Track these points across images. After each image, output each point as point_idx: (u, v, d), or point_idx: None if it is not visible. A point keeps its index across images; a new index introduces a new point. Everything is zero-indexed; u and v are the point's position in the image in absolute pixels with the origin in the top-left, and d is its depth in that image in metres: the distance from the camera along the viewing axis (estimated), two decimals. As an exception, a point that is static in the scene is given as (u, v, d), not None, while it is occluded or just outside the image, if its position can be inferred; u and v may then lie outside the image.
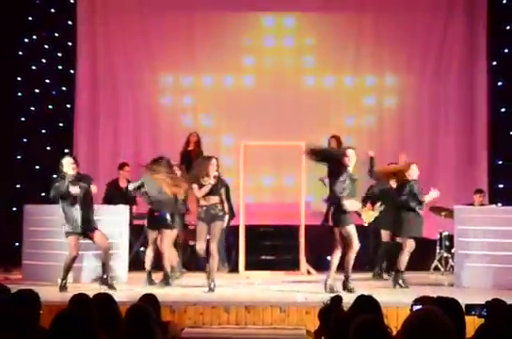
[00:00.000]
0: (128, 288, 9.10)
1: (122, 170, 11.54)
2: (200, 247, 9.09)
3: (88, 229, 9.03)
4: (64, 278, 8.87)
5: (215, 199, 9.15)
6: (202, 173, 9.11)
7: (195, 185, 9.12)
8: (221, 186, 9.25)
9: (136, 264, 10.64)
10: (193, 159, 11.52)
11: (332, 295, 5.89)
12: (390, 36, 12.71)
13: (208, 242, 9.07)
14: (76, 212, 8.93)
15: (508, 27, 12.45)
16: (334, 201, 8.79)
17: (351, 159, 8.81)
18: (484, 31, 12.53)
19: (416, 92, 12.76)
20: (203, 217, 9.11)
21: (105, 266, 9.10)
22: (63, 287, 8.80)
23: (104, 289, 8.42)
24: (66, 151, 12.62)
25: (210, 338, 7.00)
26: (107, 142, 12.78)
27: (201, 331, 7.24)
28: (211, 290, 8.82)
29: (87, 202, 9.05)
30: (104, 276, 9.04)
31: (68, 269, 8.99)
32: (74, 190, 8.85)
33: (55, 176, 9.34)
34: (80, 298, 5.13)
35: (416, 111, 12.77)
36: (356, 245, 8.74)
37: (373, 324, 3.74)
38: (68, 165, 9.01)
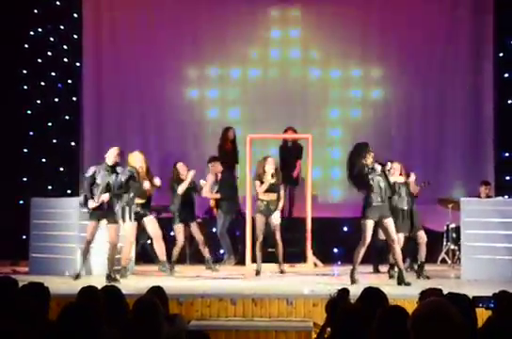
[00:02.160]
0: (135, 281, 9.11)
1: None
2: (260, 240, 9.97)
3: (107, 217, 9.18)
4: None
5: (274, 195, 10.02)
6: (260, 171, 10.02)
7: (257, 182, 10.01)
8: (280, 184, 10.11)
9: (142, 256, 10.67)
10: (231, 157, 11.61)
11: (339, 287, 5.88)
12: (396, 26, 12.69)
13: (273, 234, 10.05)
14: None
15: (515, 19, 12.41)
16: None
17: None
18: (490, 23, 12.48)
19: (423, 85, 12.71)
20: (263, 210, 9.99)
21: (109, 261, 9.12)
22: (78, 276, 9.05)
23: (127, 282, 8.75)
24: (72, 144, 12.65)
25: (217, 330, 6.99)
26: (113, 135, 12.78)
27: (208, 324, 7.23)
28: (282, 272, 10.05)
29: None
30: (108, 271, 9.06)
31: (85, 255, 9.24)
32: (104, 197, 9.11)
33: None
34: (88, 291, 5.14)
35: (422, 104, 12.73)
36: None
37: (399, 312, 3.76)
38: (112, 154, 9.21)
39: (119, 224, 9.27)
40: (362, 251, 8.74)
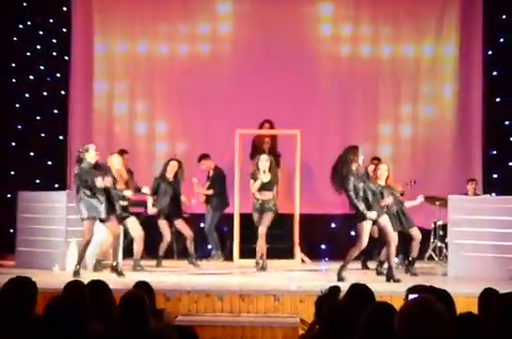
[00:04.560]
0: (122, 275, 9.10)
1: (122, 158, 11.48)
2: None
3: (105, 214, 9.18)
4: (78, 263, 9.01)
5: (269, 194, 9.95)
6: (254, 169, 10.09)
7: (251, 181, 9.98)
8: (275, 182, 10.00)
9: (130, 251, 10.65)
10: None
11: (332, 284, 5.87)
12: (386, 23, 12.69)
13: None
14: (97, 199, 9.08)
15: (504, 16, 12.40)
16: None
17: None
18: (480, 20, 12.48)
19: (409, 81, 12.69)
20: (258, 208, 9.99)
21: (115, 253, 9.25)
22: (76, 272, 8.89)
23: (113, 276, 8.75)
24: (60, 137, 12.60)
25: (204, 326, 6.99)
26: (102, 129, 12.73)
27: (195, 319, 7.24)
28: (262, 269, 9.77)
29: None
30: (114, 263, 9.14)
31: (82, 255, 9.14)
32: (99, 183, 8.99)
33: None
34: (74, 285, 5.13)
35: (410, 102, 12.71)
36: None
37: (386, 309, 3.77)
38: (93, 152, 9.20)
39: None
40: (356, 253, 8.77)
